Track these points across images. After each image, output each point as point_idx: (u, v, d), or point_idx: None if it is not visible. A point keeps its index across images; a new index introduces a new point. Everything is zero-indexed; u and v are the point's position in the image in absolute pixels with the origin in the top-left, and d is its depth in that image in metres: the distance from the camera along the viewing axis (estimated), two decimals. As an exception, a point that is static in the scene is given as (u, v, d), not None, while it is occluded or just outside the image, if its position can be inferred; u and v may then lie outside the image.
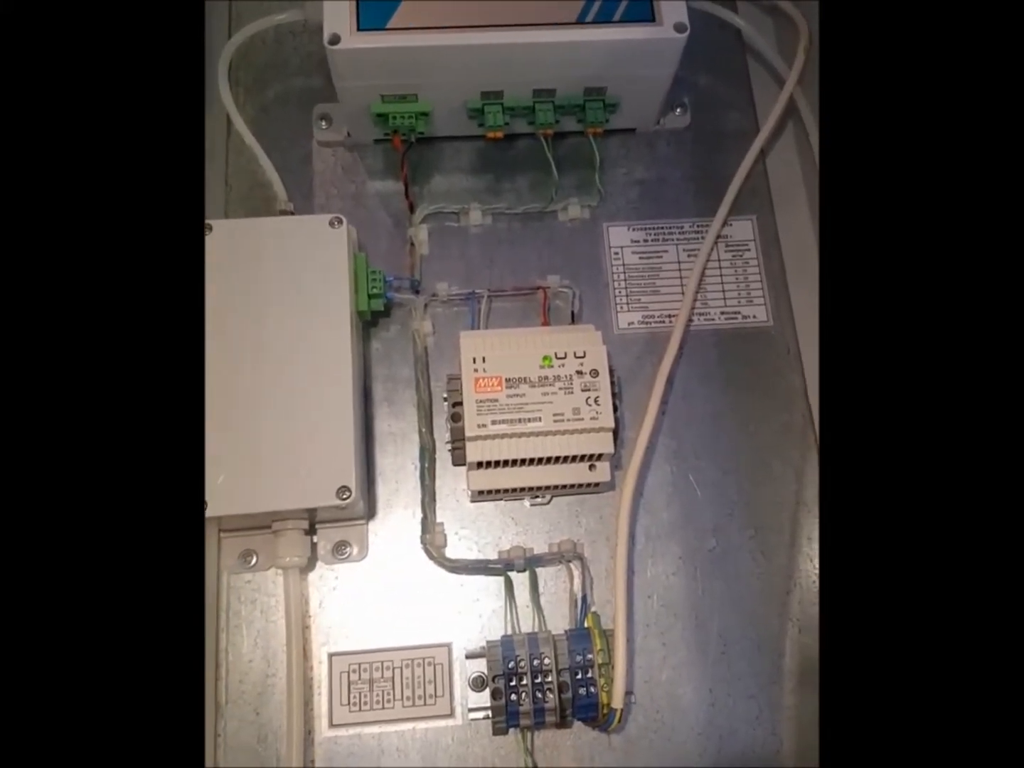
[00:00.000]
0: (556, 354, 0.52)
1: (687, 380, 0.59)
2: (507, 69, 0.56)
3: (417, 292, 0.59)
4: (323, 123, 0.63)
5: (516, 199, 0.63)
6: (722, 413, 0.59)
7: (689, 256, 0.62)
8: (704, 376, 0.60)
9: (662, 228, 0.63)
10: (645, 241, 0.63)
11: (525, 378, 0.51)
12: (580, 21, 0.55)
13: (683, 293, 0.61)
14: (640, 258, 0.62)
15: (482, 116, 0.60)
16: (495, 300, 0.60)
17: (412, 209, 0.61)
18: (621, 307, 0.61)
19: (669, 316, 0.61)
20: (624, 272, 0.62)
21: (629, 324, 0.61)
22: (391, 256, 0.61)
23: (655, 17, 0.55)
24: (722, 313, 0.62)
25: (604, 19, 0.55)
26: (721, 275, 0.63)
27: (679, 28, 0.54)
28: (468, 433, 0.49)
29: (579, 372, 0.51)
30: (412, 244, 0.61)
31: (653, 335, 0.60)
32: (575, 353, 0.52)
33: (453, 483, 0.55)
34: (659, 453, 0.57)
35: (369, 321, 0.59)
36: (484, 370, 0.51)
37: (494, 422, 0.50)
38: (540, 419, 0.50)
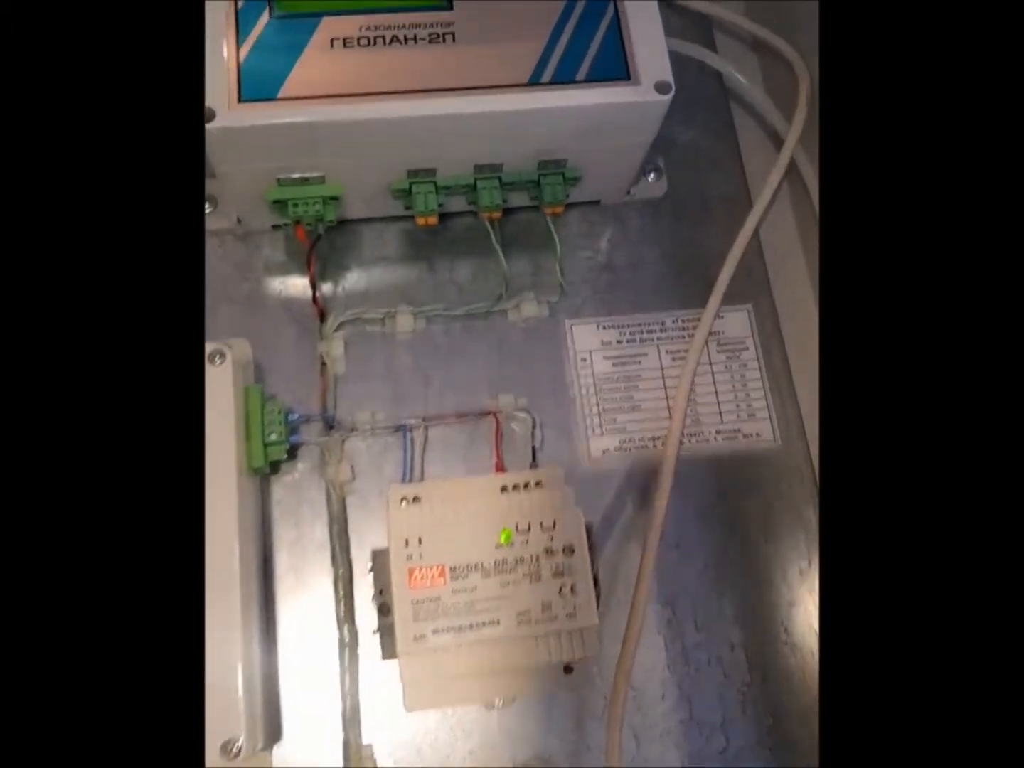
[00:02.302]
0: (517, 526, 0.40)
1: (680, 522, 0.49)
2: (440, 144, 0.45)
3: (331, 427, 0.47)
4: (206, 206, 0.51)
5: (456, 296, 0.52)
6: (724, 564, 0.48)
7: (674, 360, 0.52)
8: (701, 515, 0.49)
9: (639, 325, 0.53)
10: (619, 343, 0.52)
11: (477, 565, 0.39)
12: (533, 82, 0.44)
13: (670, 409, 0.50)
14: (613, 364, 0.51)
15: (409, 198, 0.48)
16: (433, 428, 0.48)
17: (323, 316, 0.49)
18: (593, 429, 0.50)
19: (654, 439, 0.50)
20: (594, 384, 0.51)
21: (604, 451, 0.50)
22: (297, 378, 0.49)
23: (630, 75, 0.44)
24: (718, 432, 0.51)
25: (564, 79, 0.44)
26: (715, 383, 0.52)
27: (662, 88, 0.43)
28: (400, 647, 0.38)
29: (548, 551, 0.40)
30: (323, 362, 0.48)
31: (635, 464, 0.50)
32: (541, 524, 0.40)
33: (384, 678, 0.43)
34: (649, 623, 0.46)
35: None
36: (420, 556, 0.39)
37: (435, 631, 0.38)
38: (498, 621, 0.38)
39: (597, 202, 0.55)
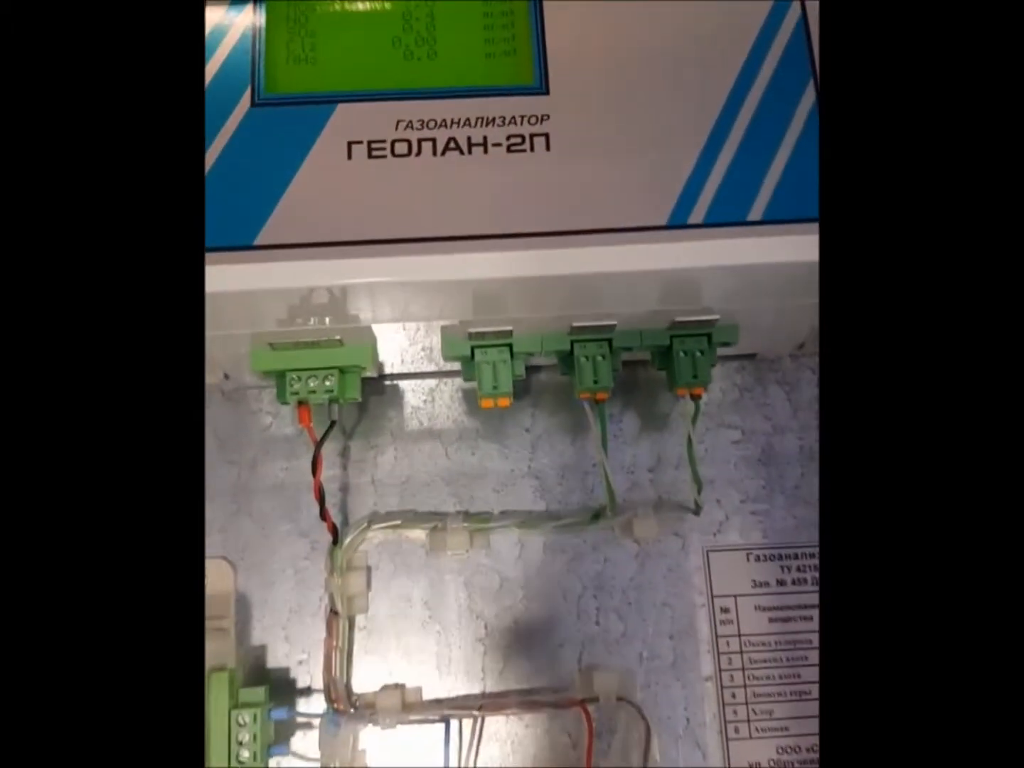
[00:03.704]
0: None
1: None
2: (521, 304, 0.28)
3: (337, 725, 0.31)
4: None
5: (536, 495, 0.35)
6: None
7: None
8: None
9: (815, 556, 0.35)
10: (782, 583, 0.35)
11: None
12: (676, 224, 0.26)
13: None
14: (771, 620, 0.34)
15: (470, 367, 0.31)
16: (490, 720, 0.32)
17: (336, 537, 0.33)
18: (736, 729, 0.33)
19: (828, 743, 0.32)
20: (741, 651, 0.34)
21: (751, 767, 0.32)
22: (300, 623, 0.33)
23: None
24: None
25: (726, 218, 0.26)
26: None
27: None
28: None
29: None
30: (333, 608, 0.32)
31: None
32: None
33: None
34: None
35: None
36: None
37: None
38: None
39: (753, 355, 0.37)
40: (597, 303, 0.29)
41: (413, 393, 0.37)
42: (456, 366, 0.33)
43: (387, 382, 0.37)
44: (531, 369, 0.37)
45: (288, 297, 0.27)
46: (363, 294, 0.27)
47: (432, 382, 0.37)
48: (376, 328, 0.31)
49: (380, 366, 0.35)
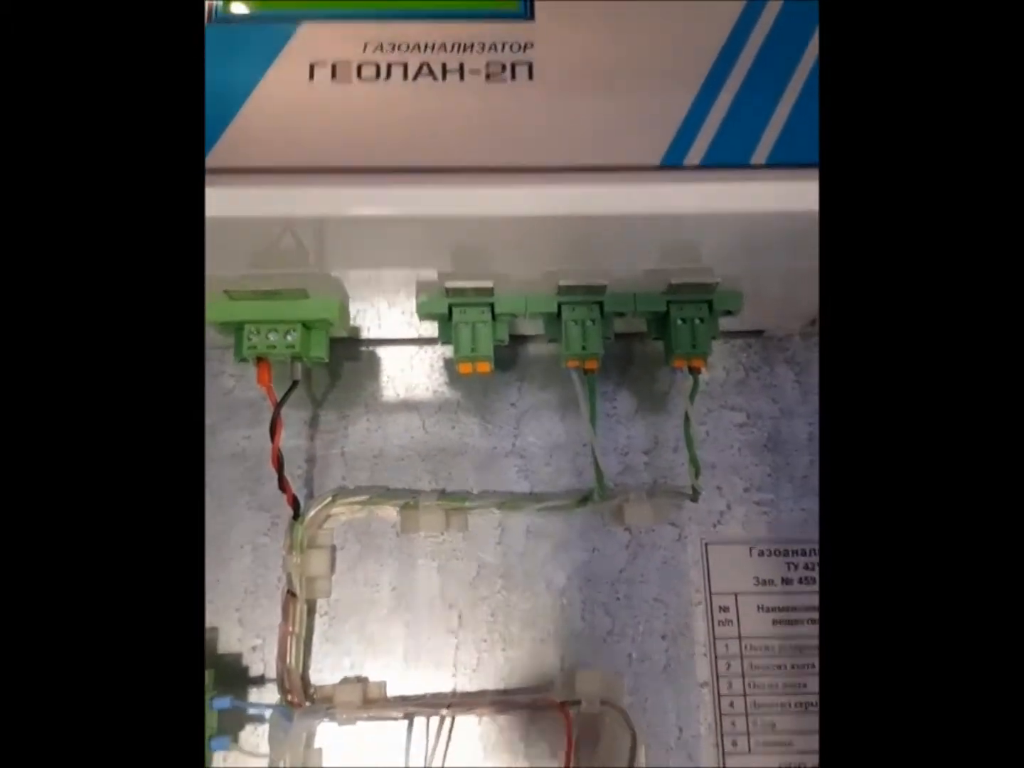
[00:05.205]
0: None
1: None
2: (503, 255, 0.26)
3: (289, 719, 0.29)
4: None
5: (519, 474, 0.32)
6: None
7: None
8: None
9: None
10: (787, 582, 0.32)
11: None
12: (671, 164, 0.24)
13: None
14: (775, 622, 0.31)
15: (447, 327, 0.29)
16: (461, 719, 0.30)
17: (296, 510, 0.30)
18: (734, 741, 0.30)
19: None
20: (741, 655, 0.31)
21: (748, 781, 0.29)
22: (255, 607, 0.30)
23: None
24: None
25: (727, 159, 0.24)
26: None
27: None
28: None
29: None
30: (290, 590, 0.30)
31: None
32: None
33: None
34: None
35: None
36: None
37: None
38: None
39: (760, 332, 0.34)
40: (583, 255, 0.27)
41: (390, 361, 0.34)
42: (436, 331, 0.31)
43: (363, 348, 0.34)
44: (519, 340, 0.34)
45: (237, 230, 0.24)
46: (321, 230, 0.25)
47: (412, 349, 0.34)
48: (350, 287, 0.29)
49: (356, 330, 0.33)
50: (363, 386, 0.34)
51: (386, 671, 0.31)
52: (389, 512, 0.32)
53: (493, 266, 0.28)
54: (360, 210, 0.24)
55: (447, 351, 0.34)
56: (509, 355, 0.34)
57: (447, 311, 0.29)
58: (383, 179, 0.24)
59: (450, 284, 0.28)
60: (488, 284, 0.29)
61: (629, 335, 0.33)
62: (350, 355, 0.34)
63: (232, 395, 0.34)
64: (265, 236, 0.25)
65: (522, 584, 0.32)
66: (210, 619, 0.31)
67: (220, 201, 0.23)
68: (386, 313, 0.32)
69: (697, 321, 0.30)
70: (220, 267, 0.26)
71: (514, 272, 0.28)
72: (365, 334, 0.34)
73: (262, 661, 0.31)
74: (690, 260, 0.28)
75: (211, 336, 0.30)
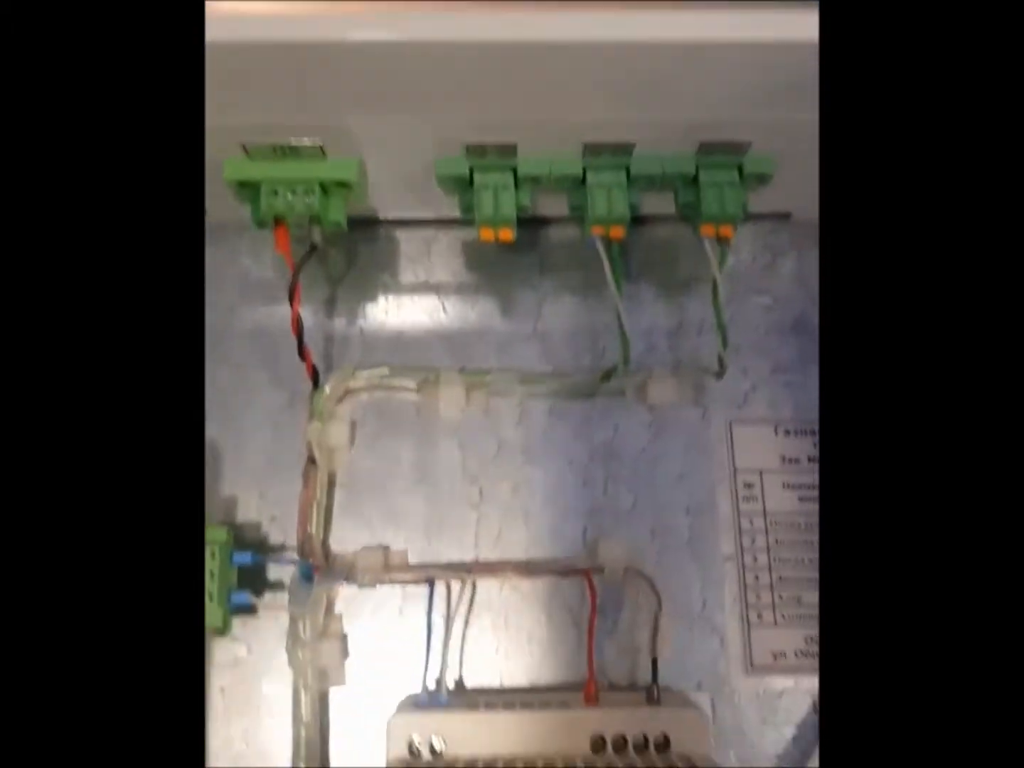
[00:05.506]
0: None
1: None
2: (526, 99, 0.25)
3: (309, 578, 0.28)
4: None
5: (541, 357, 0.32)
6: None
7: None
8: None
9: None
10: (812, 460, 0.31)
11: None
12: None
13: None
14: (801, 499, 0.31)
15: (468, 193, 0.29)
16: (482, 583, 0.29)
17: (316, 380, 0.30)
18: (759, 614, 0.29)
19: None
20: (767, 530, 0.30)
21: (776, 656, 0.29)
22: (274, 477, 0.30)
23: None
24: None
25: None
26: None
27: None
28: None
29: None
30: (311, 457, 0.29)
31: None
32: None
33: None
34: None
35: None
36: None
37: None
38: None
39: (788, 215, 0.34)
40: (612, 108, 0.26)
41: (409, 242, 0.34)
42: (456, 211, 0.31)
43: (380, 229, 0.34)
44: (539, 222, 0.34)
45: (246, 60, 0.24)
46: (337, 58, 0.24)
47: (431, 231, 0.34)
48: (367, 149, 0.28)
49: (373, 210, 0.33)
50: (382, 267, 0.33)
51: (407, 543, 0.31)
52: (409, 394, 0.32)
53: (516, 114, 0.27)
54: (376, 35, 0.23)
55: (467, 234, 0.33)
56: (529, 238, 0.34)
57: (467, 173, 0.29)
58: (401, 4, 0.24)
59: (470, 141, 0.28)
60: (512, 143, 0.28)
61: (654, 218, 0.33)
62: (368, 236, 0.34)
63: (249, 276, 0.33)
64: (279, 68, 0.24)
65: (544, 460, 0.32)
66: (229, 490, 0.31)
67: (229, 26, 0.23)
68: (404, 188, 0.31)
69: (727, 185, 0.29)
70: (234, 114, 0.26)
71: (541, 129, 0.28)
72: (383, 215, 0.33)
73: (281, 531, 0.31)
74: (722, 123, 0.27)
75: (228, 215, 0.30)
